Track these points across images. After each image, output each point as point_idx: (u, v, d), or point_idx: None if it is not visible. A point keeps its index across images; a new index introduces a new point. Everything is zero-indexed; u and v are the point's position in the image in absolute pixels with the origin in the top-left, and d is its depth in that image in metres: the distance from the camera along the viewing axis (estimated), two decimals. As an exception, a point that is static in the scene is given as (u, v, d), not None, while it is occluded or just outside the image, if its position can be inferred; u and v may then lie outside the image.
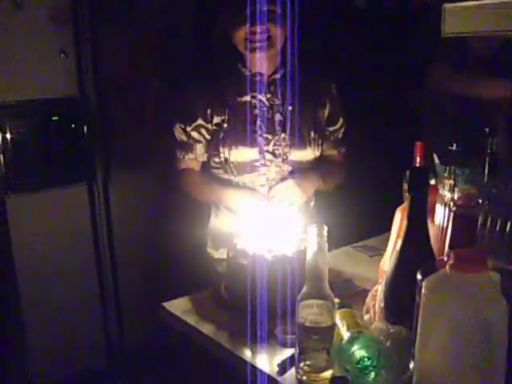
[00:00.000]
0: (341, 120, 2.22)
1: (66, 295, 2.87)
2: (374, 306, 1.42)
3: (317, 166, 2.17)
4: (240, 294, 1.55)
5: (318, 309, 1.23)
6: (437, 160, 1.76)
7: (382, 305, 1.32)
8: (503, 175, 1.65)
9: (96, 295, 3.00)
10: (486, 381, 0.98)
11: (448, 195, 1.46)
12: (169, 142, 2.16)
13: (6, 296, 2.89)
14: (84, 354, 2.97)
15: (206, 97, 2.08)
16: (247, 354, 1.40)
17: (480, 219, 1.41)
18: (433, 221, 1.50)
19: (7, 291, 2.86)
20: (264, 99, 2.06)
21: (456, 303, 0.96)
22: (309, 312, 1.23)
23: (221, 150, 2.05)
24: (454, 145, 1.85)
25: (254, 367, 1.35)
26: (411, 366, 1.12)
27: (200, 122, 2.08)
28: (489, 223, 1.41)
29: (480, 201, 1.45)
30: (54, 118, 2.78)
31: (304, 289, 1.24)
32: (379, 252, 1.92)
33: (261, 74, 2.05)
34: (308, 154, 2.11)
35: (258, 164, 2.04)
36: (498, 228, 1.40)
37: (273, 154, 2.05)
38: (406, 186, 1.28)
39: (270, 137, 2.05)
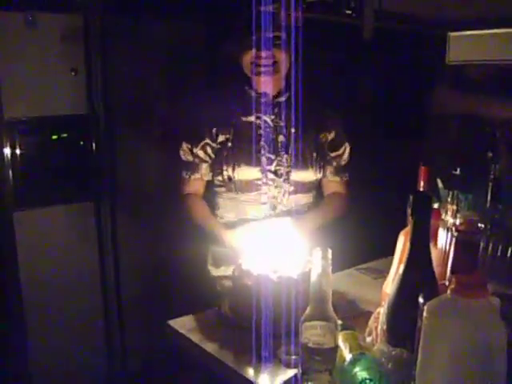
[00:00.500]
0: (344, 147, 2.25)
1: (70, 312, 2.87)
2: (376, 328, 1.43)
3: (318, 200, 2.22)
4: (244, 313, 1.57)
5: (322, 330, 1.24)
6: (440, 184, 1.78)
7: (385, 327, 1.33)
8: (505, 201, 1.67)
9: (100, 312, 3.01)
10: (486, 404, 0.99)
11: (450, 220, 1.48)
12: (175, 161, 2.20)
13: (10, 311, 2.91)
14: (86, 370, 2.96)
15: (212, 116, 2.13)
16: (251, 373, 1.41)
17: (482, 244, 1.43)
18: (435, 245, 1.52)
19: (12, 306, 2.87)
20: (269, 120, 2.10)
21: (457, 327, 0.98)
22: (312, 333, 1.24)
23: (224, 168, 2.09)
24: (458, 169, 1.87)
25: (257, 387, 1.37)
26: (412, 388, 1.13)
27: (206, 140, 2.12)
28: (490, 248, 1.43)
29: (482, 226, 1.47)
30: (63, 135, 2.81)
31: (308, 310, 1.26)
32: (382, 275, 1.93)
33: (266, 95, 2.09)
34: (309, 175, 2.15)
35: (260, 183, 2.08)
36: (499, 253, 1.42)
37: (275, 173, 2.09)
38: (409, 211, 1.30)
39: (272, 157, 2.08)
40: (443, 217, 1.55)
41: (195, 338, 1.61)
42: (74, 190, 2.89)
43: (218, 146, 2.12)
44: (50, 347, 2.83)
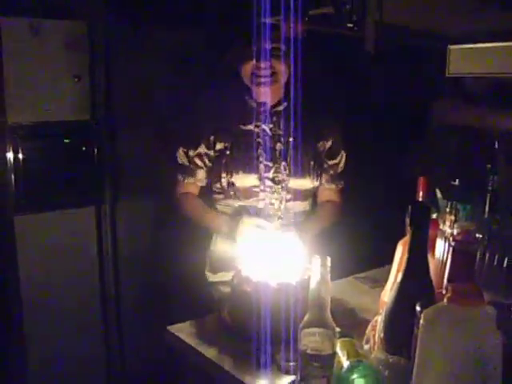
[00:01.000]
0: (341, 155, 2.28)
1: (69, 316, 2.88)
2: (373, 336, 1.45)
3: (314, 207, 2.25)
4: (243, 320, 1.58)
5: (320, 337, 1.26)
6: (439, 195, 1.80)
7: (382, 335, 1.35)
8: (503, 212, 1.69)
9: (99, 317, 3.01)
10: (481, 412, 1.00)
11: (448, 230, 1.49)
12: (173, 167, 2.23)
13: (10, 315, 2.92)
14: (84, 374, 2.96)
15: (210, 124, 2.16)
16: (249, 379, 1.42)
17: (479, 254, 1.44)
18: (433, 255, 1.53)
19: (12, 310, 2.88)
20: (267, 129, 2.13)
21: (453, 335, 1.00)
22: (310, 340, 1.26)
23: (222, 175, 2.11)
24: (457, 180, 1.89)
25: (255, 392, 1.38)
26: (409, 395, 1.14)
27: (203, 149, 2.16)
28: (487, 258, 1.44)
29: (480, 236, 1.48)
30: (66, 141, 2.83)
31: (306, 317, 1.28)
32: (380, 284, 1.94)
33: (265, 105, 2.12)
34: (307, 183, 2.17)
35: (257, 190, 2.10)
36: (495, 263, 1.43)
37: (273, 180, 2.11)
38: (408, 221, 1.31)
39: (270, 164, 2.11)
40: (441, 227, 1.56)
41: (194, 343, 1.62)
42: (76, 195, 2.90)
43: (217, 154, 2.15)
44: (48, 351, 2.84)
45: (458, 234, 1.33)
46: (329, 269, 1.25)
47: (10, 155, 2.67)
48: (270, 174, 2.11)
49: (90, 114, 2.85)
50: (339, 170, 2.30)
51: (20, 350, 2.83)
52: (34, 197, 2.77)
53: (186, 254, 2.44)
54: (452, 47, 1.65)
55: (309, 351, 1.25)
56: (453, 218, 1.55)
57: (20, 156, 2.70)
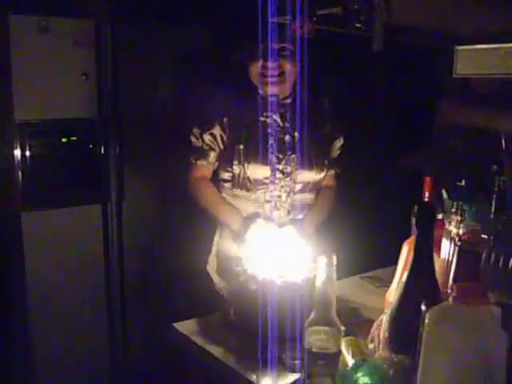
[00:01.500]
0: (339, 140, 2.30)
1: (74, 312, 2.89)
2: (378, 335, 1.45)
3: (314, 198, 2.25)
4: (249, 318, 1.59)
5: (325, 335, 1.27)
6: (445, 195, 1.80)
7: (387, 334, 1.35)
8: (509, 212, 1.69)
9: (104, 314, 3.02)
10: (485, 411, 1.01)
11: (454, 230, 1.50)
12: (183, 165, 2.23)
13: (15, 311, 2.93)
14: (88, 371, 2.98)
15: (223, 108, 2.16)
16: (255, 377, 1.43)
17: (484, 254, 1.45)
18: (439, 254, 1.54)
19: (17, 305, 2.90)
20: (278, 119, 2.13)
21: (457, 334, 1.00)
22: (316, 338, 1.27)
23: (234, 163, 2.11)
24: (463, 181, 1.90)
25: (261, 390, 1.39)
26: (413, 394, 1.15)
27: (217, 130, 2.15)
28: (492, 258, 1.45)
29: (485, 237, 1.49)
30: (73, 138, 2.84)
31: (312, 315, 1.28)
32: (385, 283, 1.95)
33: (274, 96, 2.13)
34: (314, 174, 2.18)
35: (267, 181, 2.11)
36: (501, 263, 1.44)
37: (282, 172, 2.11)
38: (413, 221, 1.32)
39: (281, 156, 2.11)
40: (447, 227, 1.57)
41: (200, 340, 1.63)
42: (82, 193, 2.91)
43: (230, 141, 2.15)
44: (53, 347, 2.85)
45: (464, 234, 1.33)
46: (335, 267, 1.26)
47: (17, 152, 2.68)
48: (280, 166, 2.12)
49: (97, 112, 2.86)
50: (336, 154, 2.31)
51: (25, 345, 2.84)
52: (40, 194, 2.78)
53: (192, 250, 2.45)
54: (459, 48, 1.65)
55: (314, 349, 1.26)
56: (459, 218, 1.55)
57: (27, 153, 2.71)
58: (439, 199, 1.80)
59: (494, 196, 1.76)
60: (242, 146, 2.11)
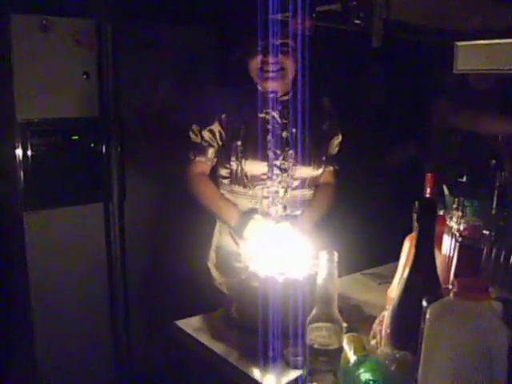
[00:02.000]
0: (337, 137, 2.32)
1: (77, 312, 2.90)
2: (380, 331, 1.45)
3: (313, 194, 2.25)
4: (251, 315, 1.59)
5: (327, 332, 1.27)
6: (446, 191, 1.80)
7: (389, 330, 1.36)
8: (510, 208, 1.69)
9: (106, 312, 3.04)
10: (487, 406, 1.01)
11: (455, 226, 1.50)
12: (184, 162, 2.24)
13: (19, 311, 2.94)
14: (91, 370, 2.99)
15: (223, 106, 2.17)
16: (257, 373, 1.44)
17: (485, 250, 1.45)
18: (440, 250, 1.54)
19: (20, 305, 2.91)
20: (277, 116, 2.14)
21: (458, 330, 1.00)
22: (317, 334, 1.27)
23: (232, 159, 2.12)
24: (464, 177, 1.90)
25: (263, 387, 1.39)
26: (415, 390, 1.15)
27: (216, 127, 2.16)
28: (494, 254, 1.45)
29: (487, 232, 1.49)
30: (75, 137, 2.85)
31: (313, 312, 1.28)
32: (387, 280, 1.95)
33: (273, 93, 2.13)
34: (312, 170, 2.19)
35: (265, 177, 2.11)
36: (502, 259, 1.44)
37: (280, 168, 2.12)
38: (415, 217, 1.32)
39: (278, 152, 2.12)
40: (448, 223, 1.57)
41: (202, 338, 1.63)
42: (84, 192, 2.92)
43: (228, 138, 2.16)
44: (57, 347, 2.86)
45: (465, 229, 1.33)
46: (336, 264, 1.26)
47: (19, 152, 2.69)
48: (278, 162, 2.13)
49: (98, 111, 2.86)
50: (335, 151, 2.31)
51: (28, 345, 2.85)
52: (42, 193, 2.79)
53: (193, 249, 2.45)
54: (459, 43, 1.65)
55: (316, 346, 1.26)
56: (460, 214, 1.55)
57: (29, 153, 2.72)
58: (440, 195, 1.80)
59: (496, 192, 1.76)
60: (239, 143, 2.12)
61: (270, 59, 2.05)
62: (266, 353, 1.47)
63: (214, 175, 2.25)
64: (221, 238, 2.27)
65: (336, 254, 1.26)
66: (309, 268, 1.64)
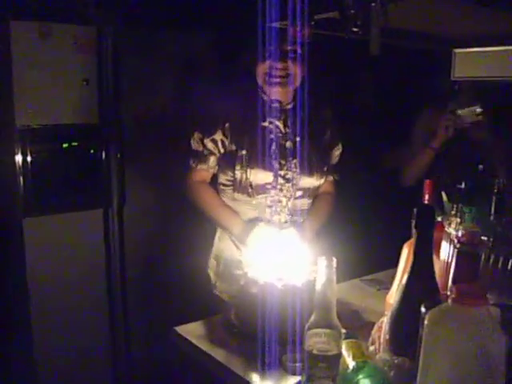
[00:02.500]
0: (338, 147, 2.33)
1: (76, 317, 2.90)
2: (379, 337, 1.46)
3: (313, 203, 2.26)
4: (250, 321, 1.60)
5: (326, 338, 1.27)
6: (445, 198, 1.81)
7: (387, 336, 1.36)
8: (509, 214, 1.69)
9: (105, 318, 3.03)
10: (485, 412, 1.01)
11: (453, 232, 1.50)
12: (183, 169, 2.24)
13: (18, 316, 2.94)
14: (90, 375, 2.98)
15: (225, 113, 2.18)
16: (256, 379, 1.44)
17: (483, 256, 1.45)
18: (438, 256, 1.54)
19: (19, 311, 2.90)
20: (281, 125, 2.14)
21: (457, 336, 1.01)
22: (316, 340, 1.27)
23: (236, 169, 2.12)
24: (463, 183, 1.90)
25: (262, 393, 1.39)
26: (413, 395, 1.15)
27: (219, 135, 2.16)
28: (492, 260, 1.45)
29: (485, 238, 1.49)
30: (74, 144, 2.84)
31: (312, 318, 1.29)
32: (386, 286, 1.96)
33: (277, 102, 2.14)
34: (314, 180, 2.20)
35: (269, 187, 2.12)
36: (500, 265, 1.44)
37: (284, 178, 2.12)
38: (413, 223, 1.33)
39: (282, 161, 2.12)
40: (447, 229, 1.57)
41: (201, 344, 1.63)
42: (83, 198, 2.91)
43: (230, 146, 2.16)
44: (55, 351, 2.86)
45: (463, 235, 1.34)
46: (334, 270, 1.26)
47: (18, 158, 2.69)
48: (282, 172, 2.13)
49: (98, 118, 2.86)
50: (335, 162, 2.33)
51: (27, 349, 2.85)
52: (42, 199, 2.78)
53: (193, 256, 2.46)
54: (457, 50, 1.66)
55: (315, 352, 1.26)
56: (458, 220, 1.56)
57: (29, 159, 2.71)
58: (439, 202, 1.80)
59: (494, 198, 1.77)
60: (244, 152, 2.12)
61: (279, 65, 2.06)
62: (264, 359, 1.47)
63: (214, 182, 2.25)
64: (221, 245, 2.27)
65: (335, 260, 1.27)
66: (308, 274, 1.65)
